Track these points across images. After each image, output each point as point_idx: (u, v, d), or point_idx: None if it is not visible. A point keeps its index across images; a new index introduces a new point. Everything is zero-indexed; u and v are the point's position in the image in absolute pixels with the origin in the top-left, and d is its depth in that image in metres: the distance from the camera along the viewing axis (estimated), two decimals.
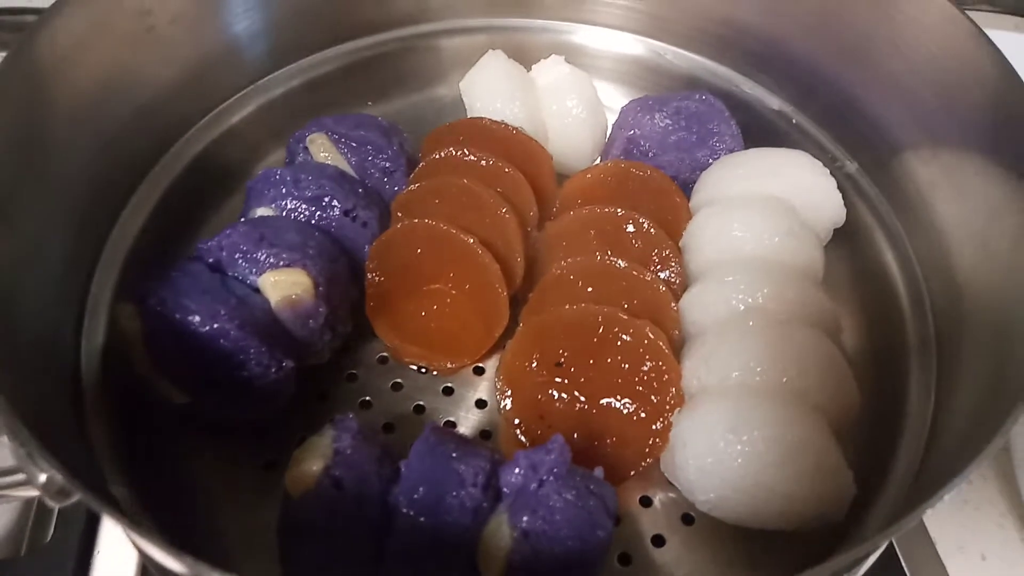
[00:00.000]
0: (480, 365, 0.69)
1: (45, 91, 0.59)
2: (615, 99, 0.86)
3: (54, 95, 0.60)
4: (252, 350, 0.57)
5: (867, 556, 0.52)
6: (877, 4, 0.67)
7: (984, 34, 0.57)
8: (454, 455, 0.51)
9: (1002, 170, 0.56)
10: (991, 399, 0.48)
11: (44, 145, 0.58)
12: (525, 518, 0.48)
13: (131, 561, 0.64)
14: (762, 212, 0.64)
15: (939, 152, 0.64)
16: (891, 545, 0.69)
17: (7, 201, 0.54)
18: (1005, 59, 0.56)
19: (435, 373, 0.68)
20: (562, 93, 0.78)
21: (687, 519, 0.60)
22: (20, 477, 0.44)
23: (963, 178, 0.61)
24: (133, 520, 0.38)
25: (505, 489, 0.51)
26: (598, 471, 0.53)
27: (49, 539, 0.66)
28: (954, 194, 0.62)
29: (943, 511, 0.74)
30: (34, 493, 0.45)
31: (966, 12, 0.59)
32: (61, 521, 0.67)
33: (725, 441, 0.53)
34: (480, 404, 0.67)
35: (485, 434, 0.65)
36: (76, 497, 0.43)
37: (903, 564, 0.66)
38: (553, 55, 0.81)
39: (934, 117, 0.64)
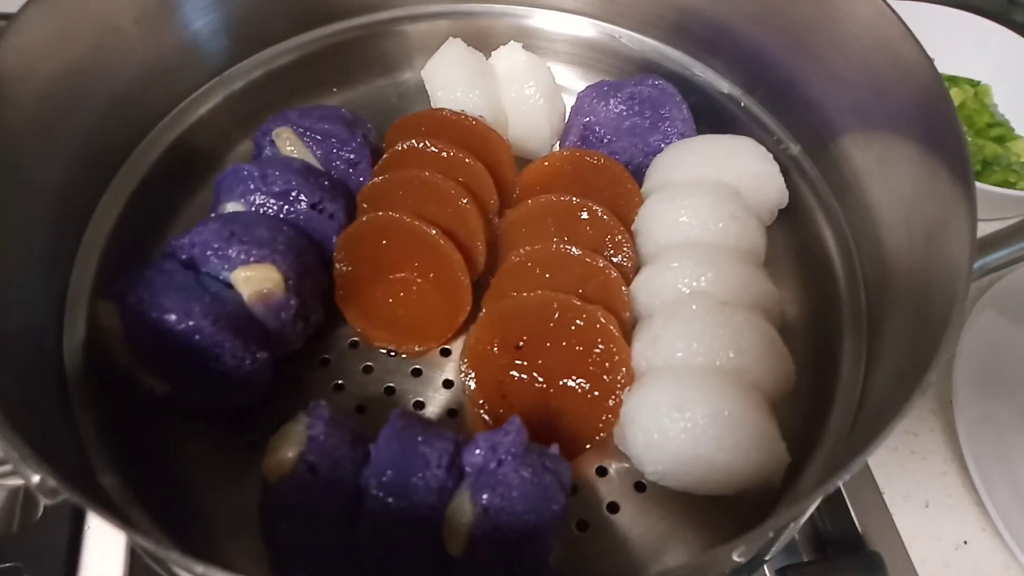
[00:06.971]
0: (447, 347, 0.72)
1: (14, 94, 0.59)
2: (572, 81, 0.88)
3: (23, 97, 0.60)
4: (227, 344, 0.59)
5: (800, 515, 0.57)
6: None
7: (910, 32, 0.60)
8: (419, 439, 0.54)
9: (922, 160, 0.59)
10: (908, 371, 0.51)
11: (15, 147, 0.60)
12: (485, 495, 0.52)
13: (120, 534, 0.66)
14: (708, 198, 0.67)
15: (872, 139, 0.67)
16: (840, 494, 0.72)
17: None
18: (927, 57, 0.58)
19: (404, 356, 0.71)
20: (520, 80, 0.80)
21: (639, 487, 0.65)
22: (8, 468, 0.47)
23: (891, 166, 0.64)
24: (121, 518, 0.41)
25: (468, 468, 0.54)
26: (554, 448, 0.56)
27: (40, 515, 0.67)
28: (884, 180, 0.65)
29: (891, 461, 0.79)
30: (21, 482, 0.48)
31: (893, 9, 0.61)
32: None
33: (669, 418, 0.56)
34: (447, 384, 0.70)
35: (452, 412, 0.69)
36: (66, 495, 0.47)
37: (852, 512, 0.71)
38: (512, 42, 0.82)
39: (867, 106, 0.67)
